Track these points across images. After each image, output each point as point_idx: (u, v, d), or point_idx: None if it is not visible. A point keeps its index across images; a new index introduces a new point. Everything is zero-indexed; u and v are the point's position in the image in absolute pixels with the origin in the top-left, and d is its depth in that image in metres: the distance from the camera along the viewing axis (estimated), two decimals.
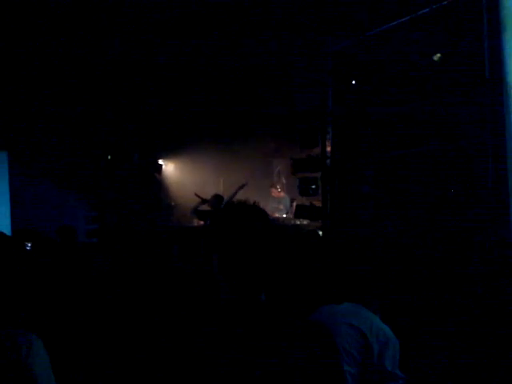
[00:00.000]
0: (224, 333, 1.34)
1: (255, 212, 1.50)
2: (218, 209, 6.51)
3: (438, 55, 4.69)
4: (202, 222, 7.20)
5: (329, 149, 6.04)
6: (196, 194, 6.92)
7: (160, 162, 9.72)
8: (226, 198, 6.90)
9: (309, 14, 5.84)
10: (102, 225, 7.87)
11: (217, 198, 6.66)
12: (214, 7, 5.93)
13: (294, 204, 7.37)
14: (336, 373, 1.80)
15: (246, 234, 1.44)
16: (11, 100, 7.22)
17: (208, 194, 7.26)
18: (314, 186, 6.11)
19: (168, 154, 9.72)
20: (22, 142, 7.74)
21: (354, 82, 5.78)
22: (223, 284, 1.44)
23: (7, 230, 6.91)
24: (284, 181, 9.21)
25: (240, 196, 7.96)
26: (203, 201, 6.76)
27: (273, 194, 8.52)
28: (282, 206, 8.22)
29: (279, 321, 1.41)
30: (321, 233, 5.97)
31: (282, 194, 8.55)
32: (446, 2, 4.48)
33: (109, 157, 8.18)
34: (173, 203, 8.89)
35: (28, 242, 4.14)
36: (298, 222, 6.90)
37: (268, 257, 1.44)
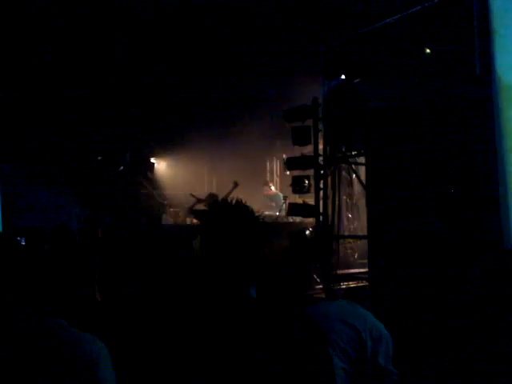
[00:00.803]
0: (215, 329, 1.35)
1: (241, 210, 1.52)
2: (219, 208, 6.53)
3: (428, 50, 4.73)
4: (195, 221, 7.21)
5: (321, 147, 6.06)
6: (191, 195, 6.95)
7: (152, 160, 9.69)
8: (220, 197, 6.93)
9: (301, 11, 5.85)
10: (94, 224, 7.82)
11: (212, 197, 6.69)
12: (205, 4, 5.92)
13: (287, 201, 7.38)
14: (327, 370, 1.81)
15: (232, 232, 1.46)
16: (2, 100, 7.16)
17: (201, 191, 7.27)
18: (306, 184, 6.12)
19: (160, 152, 9.69)
20: (13, 142, 7.67)
21: (343, 77, 5.80)
22: (212, 280, 1.45)
23: None
24: (277, 178, 9.23)
25: (233, 194, 7.97)
26: (198, 200, 6.80)
27: (265, 192, 8.53)
28: (274, 204, 8.23)
29: (271, 318, 1.42)
30: (307, 232, 6.00)
31: (275, 191, 8.57)
32: (437, 0, 4.51)
33: (99, 158, 8.13)
34: (165, 202, 8.87)
35: (22, 236, 4.11)
36: (291, 220, 6.91)
37: (254, 253, 1.46)
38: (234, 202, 1.53)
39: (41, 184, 7.83)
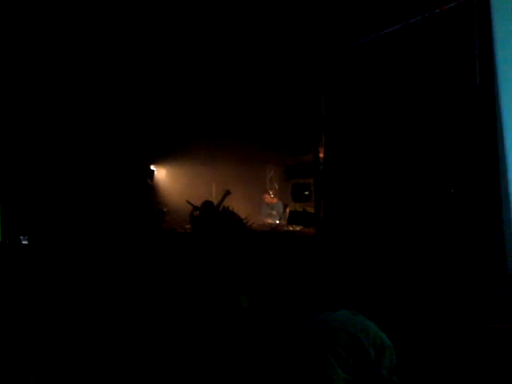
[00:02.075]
0: (209, 340, 1.35)
1: (228, 217, 1.53)
2: (208, 215, 6.47)
3: None
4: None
5: (321, 155, 6.06)
6: (187, 202, 6.89)
7: (152, 167, 9.69)
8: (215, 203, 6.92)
9: (301, 20, 5.88)
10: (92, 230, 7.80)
11: (207, 204, 6.59)
12: (205, 12, 5.95)
13: (288, 210, 7.37)
14: (326, 380, 1.80)
15: (217, 237, 1.46)
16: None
17: (199, 199, 7.22)
18: (307, 192, 6.12)
19: (160, 159, 9.69)
20: (10, 147, 7.66)
21: (343, 85, 5.81)
22: (204, 290, 1.44)
23: None
24: (277, 187, 9.22)
25: (233, 202, 7.95)
26: (195, 208, 6.73)
27: (266, 201, 8.52)
28: (274, 212, 8.22)
29: (263, 329, 1.42)
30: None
31: (275, 200, 8.56)
32: (437, 11, 4.54)
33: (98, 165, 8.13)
34: (165, 209, 8.85)
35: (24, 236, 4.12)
36: (291, 228, 6.90)
37: (241, 260, 1.46)
38: (221, 209, 1.54)
39: (38, 189, 7.81)
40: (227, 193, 6.94)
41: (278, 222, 7.80)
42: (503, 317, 3.30)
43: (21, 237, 4.79)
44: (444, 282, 3.90)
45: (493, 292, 3.55)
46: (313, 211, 6.07)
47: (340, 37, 5.75)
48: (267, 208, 8.38)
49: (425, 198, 4.49)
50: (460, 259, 3.93)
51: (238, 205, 8.75)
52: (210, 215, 6.36)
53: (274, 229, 7.40)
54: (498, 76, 3.95)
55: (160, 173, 9.96)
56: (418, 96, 4.75)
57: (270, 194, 8.62)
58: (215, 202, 7.06)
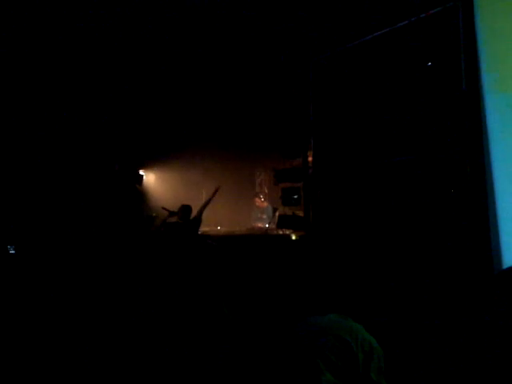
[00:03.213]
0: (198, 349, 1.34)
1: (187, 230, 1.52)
2: (186, 220, 6.40)
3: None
4: None
5: (311, 159, 6.08)
6: (163, 208, 6.77)
7: (141, 172, 9.63)
8: (203, 202, 6.86)
9: (289, 25, 5.91)
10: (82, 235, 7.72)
11: (184, 209, 6.46)
12: (194, 18, 5.96)
13: (277, 214, 7.39)
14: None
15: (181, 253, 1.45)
16: None
17: (192, 204, 7.17)
18: (296, 196, 6.14)
19: (149, 164, 9.64)
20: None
21: (331, 90, 5.84)
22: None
23: None
24: (266, 191, 9.23)
25: (222, 204, 7.94)
26: (171, 213, 6.58)
27: (256, 204, 8.54)
28: (264, 216, 8.23)
29: (260, 332, 1.42)
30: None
31: (265, 203, 8.57)
32: (424, 15, 4.59)
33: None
34: (154, 214, 8.79)
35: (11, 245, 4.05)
36: (281, 232, 6.91)
37: (222, 269, 1.45)
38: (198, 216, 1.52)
39: (25, 196, 7.72)
40: (217, 189, 6.91)
41: (267, 225, 7.81)
42: (491, 314, 3.32)
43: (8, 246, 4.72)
44: (432, 284, 3.92)
45: (481, 290, 3.58)
46: (302, 215, 6.08)
47: (327, 42, 5.79)
48: (257, 212, 8.39)
49: (412, 200, 4.52)
50: (447, 259, 3.96)
51: (229, 208, 8.75)
52: (188, 220, 6.30)
53: (264, 232, 7.41)
54: (483, 80, 3.99)
55: (149, 178, 9.90)
56: (404, 100, 4.78)
57: (260, 198, 8.63)
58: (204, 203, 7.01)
